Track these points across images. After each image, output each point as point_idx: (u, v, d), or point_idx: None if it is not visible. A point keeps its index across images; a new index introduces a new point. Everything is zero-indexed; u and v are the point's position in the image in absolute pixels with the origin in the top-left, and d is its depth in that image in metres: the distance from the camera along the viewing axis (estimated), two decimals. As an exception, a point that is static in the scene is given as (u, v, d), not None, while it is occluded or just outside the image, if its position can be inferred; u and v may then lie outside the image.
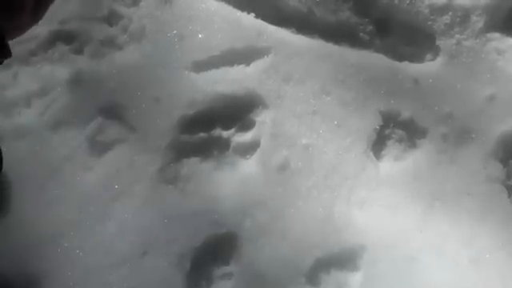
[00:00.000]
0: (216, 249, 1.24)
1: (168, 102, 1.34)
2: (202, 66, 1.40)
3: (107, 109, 1.35)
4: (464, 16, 1.58)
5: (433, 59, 1.57)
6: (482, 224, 1.35)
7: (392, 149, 1.45)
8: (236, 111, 1.39)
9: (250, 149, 1.36)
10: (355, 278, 1.26)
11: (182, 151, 1.30)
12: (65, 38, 1.39)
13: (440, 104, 1.48)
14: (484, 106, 1.49)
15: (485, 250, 1.32)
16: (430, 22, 1.57)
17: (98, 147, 1.30)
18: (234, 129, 1.38)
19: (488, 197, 1.39)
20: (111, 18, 1.44)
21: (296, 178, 1.32)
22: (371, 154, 1.40)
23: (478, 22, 1.58)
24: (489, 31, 1.59)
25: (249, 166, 1.33)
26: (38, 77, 1.37)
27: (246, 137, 1.37)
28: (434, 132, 1.45)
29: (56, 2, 1.42)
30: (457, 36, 1.56)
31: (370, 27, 1.56)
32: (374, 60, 1.52)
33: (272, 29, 1.49)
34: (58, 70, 1.36)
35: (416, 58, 1.58)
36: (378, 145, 1.43)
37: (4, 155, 1.19)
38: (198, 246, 1.22)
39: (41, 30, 1.38)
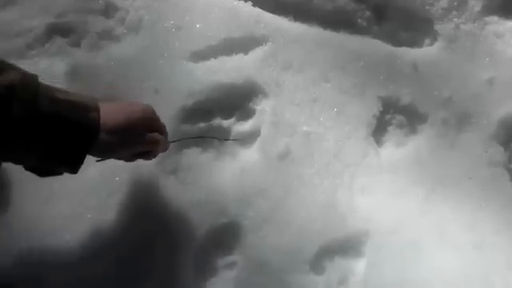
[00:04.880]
0: (219, 238, 1.24)
1: (167, 92, 1.33)
2: (200, 56, 1.40)
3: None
4: (461, 0, 1.57)
5: (431, 44, 1.57)
6: (484, 208, 1.35)
7: (393, 134, 1.45)
8: (235, 100, 1.38)
9: (250, 137, 1.35)
10: (359, 265, 1.26)
11: (182, 142, 1.29)
12: (61, 31, 1.38)
13: (440, 88, 1.48)
14: (484, 89, 1.49)
15: (487, 233, 1.32)
16: (427, 7, 1.57)
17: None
18: (234, 118, 1.37)
19: (490, 180, 1.39)
20: (108, 10, 1.42)
21: (297, 165, 1.32)
22: (372, 140, 1.40)
23: (475, 5, 1.58)
24: (487, 14, 1.58)
25: (249, 155, 1.33)
26: (35, 71, 1.32)
27: (246, 126, 1.37)
28: (435, 117, 1.45)
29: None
30: (455, 20, 1.56)
31: (368, 13, 1.55)
32: (373, 46, 1.52)
33: (269, 17, 1.48)
34: (55, 64, 1.35)
35: (414, 43, 1.57)
36: (378, 131, 1.43)
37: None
38: (200, 236, 1.22)
39: (37, 23, 1.36)
